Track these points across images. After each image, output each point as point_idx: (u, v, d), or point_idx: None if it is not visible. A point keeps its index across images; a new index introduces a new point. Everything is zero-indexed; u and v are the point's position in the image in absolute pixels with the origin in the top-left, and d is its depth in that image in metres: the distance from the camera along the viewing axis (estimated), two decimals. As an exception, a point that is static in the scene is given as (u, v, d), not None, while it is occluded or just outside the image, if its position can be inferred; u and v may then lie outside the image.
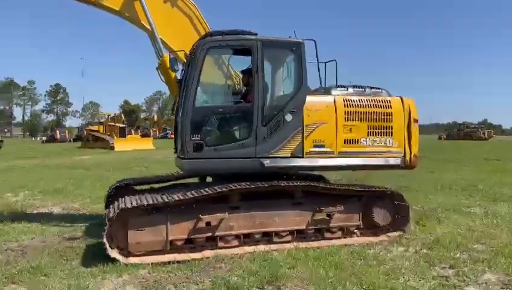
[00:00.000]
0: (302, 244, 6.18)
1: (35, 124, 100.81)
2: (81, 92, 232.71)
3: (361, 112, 6.52)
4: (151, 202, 5.54)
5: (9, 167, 19.70)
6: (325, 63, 7.16)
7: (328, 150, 6.38)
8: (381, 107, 6.63)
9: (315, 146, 6.32)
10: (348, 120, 6.45)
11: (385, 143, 6.64)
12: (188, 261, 5.54)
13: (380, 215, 6.62)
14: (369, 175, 12.74)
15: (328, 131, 6.37)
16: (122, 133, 39.63)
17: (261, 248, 6.03)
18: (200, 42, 6.01)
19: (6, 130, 38.00)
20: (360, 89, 6.85)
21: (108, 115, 45.96)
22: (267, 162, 6.10)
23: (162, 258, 5.58)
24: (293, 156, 6.24)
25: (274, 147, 6.15)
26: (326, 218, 6.32)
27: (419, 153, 6.88)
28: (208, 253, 5.78)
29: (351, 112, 6.47)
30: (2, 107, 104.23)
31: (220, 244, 5.90)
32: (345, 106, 6.45)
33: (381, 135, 6.61)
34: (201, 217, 5.69)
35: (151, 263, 5.40)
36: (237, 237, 5.99)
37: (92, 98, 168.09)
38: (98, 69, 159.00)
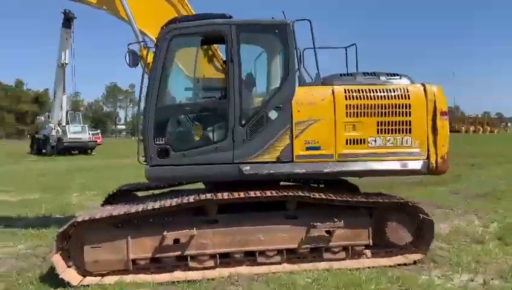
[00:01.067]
0: (294, 267, 5.16)
1: (136, 125, 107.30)
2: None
3: (368, 105, 5.27)
4: (104, 215, 4.89)
5: (96, 165, 20.85)
6: (346, 48, 6.06)
7: (324, 152, 5.24)
8: (395, 97, 5.31)
9: (308, 148, 5.23)
10: (350, 115, 5.25)
11: (401, 143, 5.32)
12: (196, 281, 4.84)
13: (395, 233, 5.33)
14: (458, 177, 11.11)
15: (324, 129, 5.23)
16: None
17: (242, 269, 5.12)
18: (162, 31, 5.21)
19: (97, 130, 41.52)
20: (373, 77, 5.58)
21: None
22: (246, 169, 5.14)
23: (125, 278, 4.94)
24: (280, 161, 5.20)
25: (256, 151, 5.17)
26: (326, 235, 5.20)
27: (449, 154, 5.45)
28: (178, 275, 5.02)
29: (354, 105, 5.26)
30: (108, 110, 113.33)
31: (192, 264, 5.10)
32: (346, 98, 5.26)
33: (395, 133, 5.30)
34: (165, 234, 4.93)
35: (153, 282, 4.82)
36: (213, 256, 5.14)
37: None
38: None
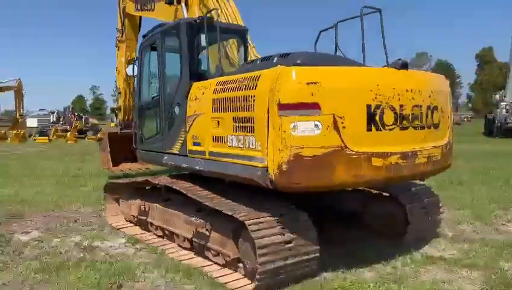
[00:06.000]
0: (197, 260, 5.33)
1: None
2: None
3: (225, 99, 4.59)
4: (126, 181, 6.89)
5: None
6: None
7: (201, 149, 5.04)
8: (244, 88, 4.32)
9: (194, 143, 5.19)
10: (215, 110, 4.77)
11: (248, 144, 4.29)
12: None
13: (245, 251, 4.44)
14: None
15: (201, 125, 5.03)
16: None
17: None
18: None
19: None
20: (265, 63, 4.64)
21: None
22: (165, 158, 5.79)
23: (133, 229, 6.82)
24: (181, 153, 5.47)
25: (171, 143, 5.69)
26: (206, 233, 5.06)
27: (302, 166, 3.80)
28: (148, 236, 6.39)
29: (218, 99, 4.72)
30: None
31: (151, 229, 6.32)
32: (213, 92, 4.80)
33: (244, 131, 4.34)
34: (134, 201, 6.43)
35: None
36: (159, 228, 6.13)
37: None
38: None
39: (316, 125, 3.84)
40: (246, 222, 4.17)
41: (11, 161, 17.14)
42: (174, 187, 5.33)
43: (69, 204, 8.36)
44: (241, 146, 4.38)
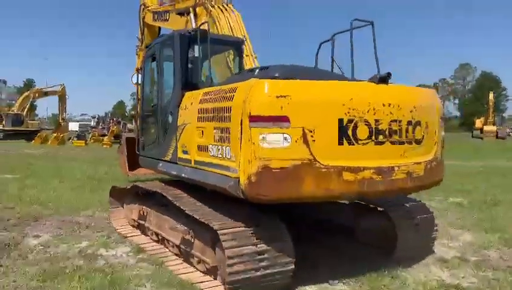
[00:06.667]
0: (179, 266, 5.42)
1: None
2: None
3: (207, 109, 4.71)
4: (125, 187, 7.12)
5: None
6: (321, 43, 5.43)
7: (188, 157, 5.17)
8: (222, 100, 4.43)
9: (183, 152, 5.33)
10: (200, 120, 4.89)
11: (225, 154, 4.38)
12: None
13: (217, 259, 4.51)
14: None
15: (188, 134, 5.17)
16: None
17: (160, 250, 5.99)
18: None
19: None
20: (247, 74, 4.74)
21: None
22: (160, 165, 5.95)
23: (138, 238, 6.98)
24: (172, 161, 5.62)
25: (165, 150, 5.85)
26: (191, 240, 5.17)
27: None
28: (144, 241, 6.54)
29: (202, 109, 4.84)
30: None
31: (148, 234, 6.49)
32: (199, 102, 4.93)
33: (223, 142, 4.44)
34: (134, 205, 6.63)
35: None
36: (154, 233, 6.28)
37: None
38: None
39: (285, 138, 3.88)
40: (219, 233, 4.24)
41: (41, 161, 17.93)
42: (154, 190, 5.50)
43: (86, 209, 8.53)
44: (219, 156, 4.48)
